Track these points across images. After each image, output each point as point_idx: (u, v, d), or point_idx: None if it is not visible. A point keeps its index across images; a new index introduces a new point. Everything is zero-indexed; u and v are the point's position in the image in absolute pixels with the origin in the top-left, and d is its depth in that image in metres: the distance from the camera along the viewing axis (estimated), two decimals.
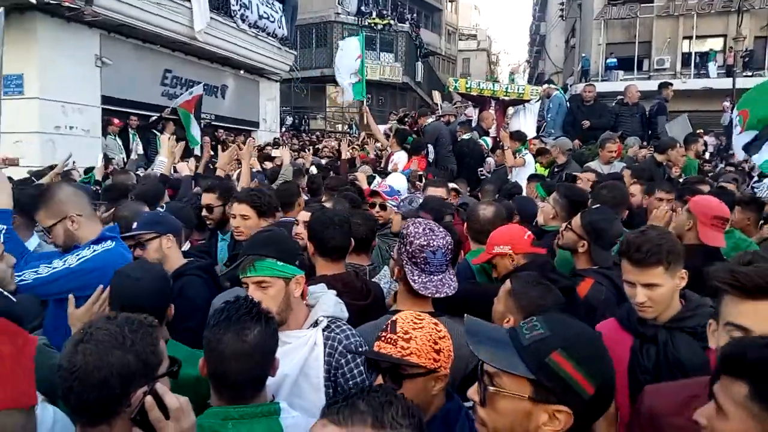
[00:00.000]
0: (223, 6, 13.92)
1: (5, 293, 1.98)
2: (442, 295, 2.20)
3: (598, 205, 3.36)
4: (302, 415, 1.75)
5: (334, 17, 29.90)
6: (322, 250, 2.65)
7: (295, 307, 2.04)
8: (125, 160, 10.85)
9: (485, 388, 1.30)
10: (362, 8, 30.48)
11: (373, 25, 30.19)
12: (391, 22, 30.57)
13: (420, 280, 2.22)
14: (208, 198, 3.90)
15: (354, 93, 9.65)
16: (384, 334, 1.67)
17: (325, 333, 2.01)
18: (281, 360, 1.92)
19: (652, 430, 1.65)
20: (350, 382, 1.98)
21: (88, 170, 8.23)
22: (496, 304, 2.16)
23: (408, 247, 2.24)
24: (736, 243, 3.46)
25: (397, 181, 5.35)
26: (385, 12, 31.37)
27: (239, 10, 14.28)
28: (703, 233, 3.08)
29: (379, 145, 10.79)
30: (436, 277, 2.22)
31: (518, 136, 7.65)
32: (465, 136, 8.85)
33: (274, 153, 8.43)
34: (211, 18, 13.28)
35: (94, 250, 2.52)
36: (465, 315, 1.94)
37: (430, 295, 2.20)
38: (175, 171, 6.73)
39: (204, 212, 3.92)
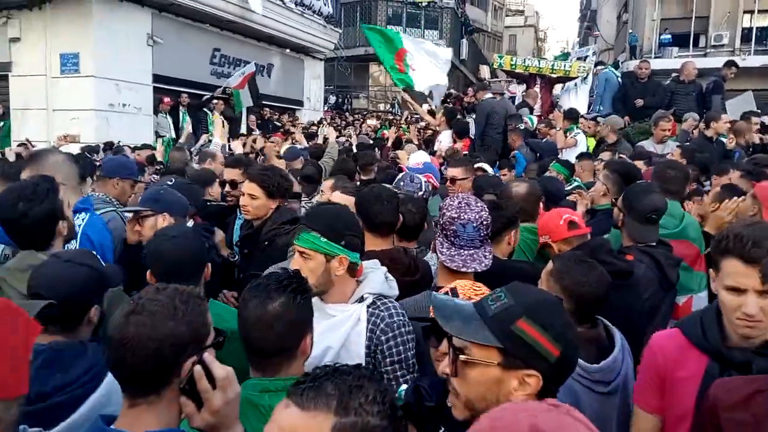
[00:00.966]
0: None
1: (97, 256, 2.09)
2: (470, 270, 2.19)
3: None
4: None
5: None
6: (369, 226, 2.63)
7: (342, 282, 2.04)
8: (175, 137, 11.14)
9: (456, 359, 1.32)
10: None
11: (418, 2, 29.81)
12: None
13: (448, 252, 2.23)
14: (232, 173, 3.89)
15: (407, 81, 9.51)
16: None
17: (370, 309, 2.02)
18: (325, 332, 1.98)
19: (711, 426, 1.53)
20: (387, 359, 1.99)
21: (143, 146, 8.49)
22: (539, 286, 2.15)
23: (441, 219, 2.29)
24: None
25: (419, 158, 5.35)
26: None
27: None
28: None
29: (423, 123, 10.76)
30: (465, 252, 2.21)
31: (570, 114, 7.48)
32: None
33: (320, 132, 8.52)
34: None
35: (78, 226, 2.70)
36: (431, 293, 1.99)
37: (456, 269, 2.20)
38: (230, 149, 6.89)
39: (227, 187, 3.91)
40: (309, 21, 15.65)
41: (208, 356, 1.39)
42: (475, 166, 4.82)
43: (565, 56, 12.03)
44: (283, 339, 1.64)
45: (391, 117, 20.75)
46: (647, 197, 2.80)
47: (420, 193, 3.44)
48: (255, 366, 1.67)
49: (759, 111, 7.95)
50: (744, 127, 6.26)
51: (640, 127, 7.73)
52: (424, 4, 30.06)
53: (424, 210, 3.21)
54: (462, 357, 1.31)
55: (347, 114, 22.15)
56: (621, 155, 5.57)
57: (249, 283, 1.75)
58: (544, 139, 7.58)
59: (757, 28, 23.56)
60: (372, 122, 16.75)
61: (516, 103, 9.93)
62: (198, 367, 1.36)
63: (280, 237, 3.15)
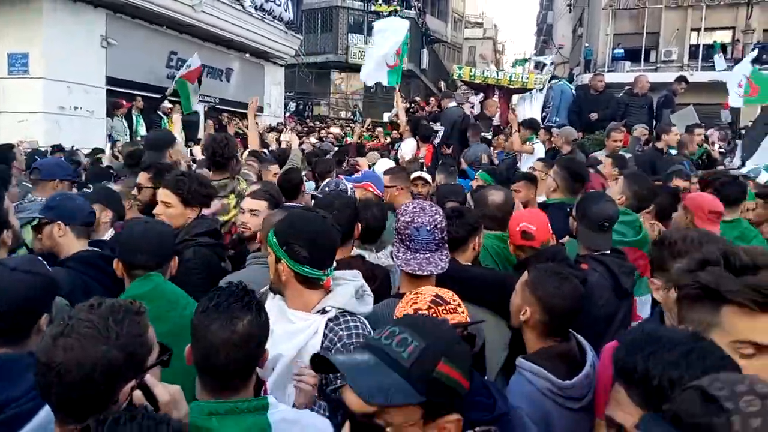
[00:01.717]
0: None
1: (43, 261, 1.99)
2: (426, 273, 2.20)
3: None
4: (290, 409, 1.69)
5: (339, 2, 29.70)
6: None
7: (294, 289, 2.00)
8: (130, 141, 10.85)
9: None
10: None
11: (379, 11, 29.98)
12: (397, 8, 30.35)
13: (404, 256, 2.25)
14: (142, 177, 3.66)
15: (389, 79, 9.28)
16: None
17: (330, 324, 1.96)
18: (281, 338, 1.94)
19: None
20: (338, 381, 1.87)
21: (95, 151, 8.24)
22: (513, 297, 2.15)
23: (396, 224, 2.30)
24: (743, 233, 3.49)
25: (384, 167, 5.36)
26: None
27: None
28: (700, 228, 3.12)
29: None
30: (421, 255, 2.23)
31: (530, 125, 7.65)
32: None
33: (282, 138, 8.42)
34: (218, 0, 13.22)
35: None
36: (394, 300, 1.99)
37: (411, 272, 2.21)
38: (191, 154, 6.75)
39: (134, 191, 3.71)
40: (268, 26, 15.53)
41: (150, 378, 1.29)
42: (413, 176, 4.74)
43: (524, 61, 12.28)
44: (250, 359, 1.56)
45: (353, 125, 20.75)
46: (599, 205, 2.84)
47: None
48: (211, 389, 1.56)
49: (703, 124, 8.32)
50: (687, 140, 6.58)
51: (595, 138, 7.94)
52: (385, 14, 30.25)
53: (385, 214, 3.21)
54: (389, 430, 1.10)
55: (308, 120, 22.06)
56: None
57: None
58: (496, 151, 7.77)
59: (703, 45, 24.60)
60: (335, 130, 16.72)
61: (474, 113, 10.07)
62: (137, 392, 1.26)
63: (187, 250, 2.86)
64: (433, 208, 2.32)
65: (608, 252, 2.82)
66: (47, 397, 1.27)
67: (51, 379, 1.22)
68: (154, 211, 3.09)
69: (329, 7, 29.76)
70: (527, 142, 7.22)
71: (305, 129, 17.48)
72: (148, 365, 1.33)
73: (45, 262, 1.98)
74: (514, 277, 2.25)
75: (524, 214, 3.01)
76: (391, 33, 9.31)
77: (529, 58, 11.97)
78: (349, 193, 3.64)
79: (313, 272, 1.96)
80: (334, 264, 2.07)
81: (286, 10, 16.22)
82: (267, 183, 3.65)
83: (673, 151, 6.57)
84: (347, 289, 2.03)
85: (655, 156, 6.16)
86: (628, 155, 6.18)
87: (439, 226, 2.27)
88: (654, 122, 9.24)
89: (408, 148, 7.77)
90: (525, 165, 7.07)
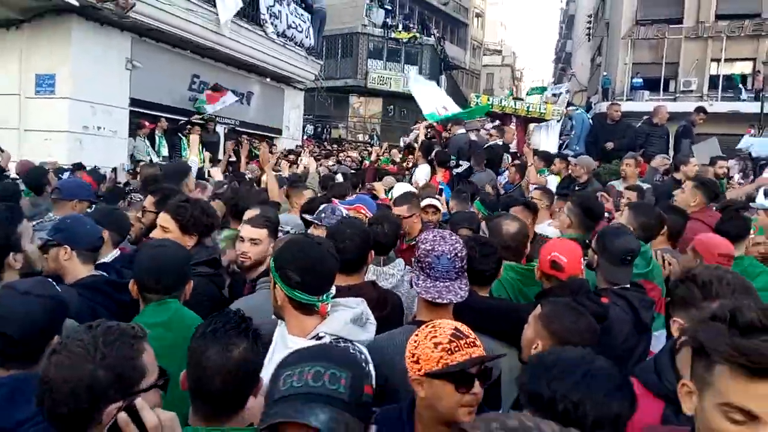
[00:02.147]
0: (252, 14, 14.12)
1: (53, 283, 2.02)
2: (446, 301, 2.20)
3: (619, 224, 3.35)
4: None
5: (360, 29, 30.17)
6: None
7: (290, 314, 2.01)
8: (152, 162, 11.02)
9: None
10: (388, 21, 30.71)
11: (398, 38, 30.39)
12: (417, 35, 30.74)
13: (423, 284, 2.24)
14: (147, 201, 3.68)
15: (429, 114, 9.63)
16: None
17: None
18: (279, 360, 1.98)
19: None
20: None
21: (115, 170, 8.39)
22: (525, 330, 2.13)
23: (417, 252, 2.31)
24: (745, 270, 3.37)
25: (401, 191, 5.36)
26: (411, 25, 31.57)
27: (269, 19, 14.48)
28: None
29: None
30: (441, 284, 2.22)
31: (544, 157, 7.63)
32: (492, 142, 8.89)
33: (300, 161, 8.51)
34: (240, 26, 13.48)
35: None
36: (411, 327, 2.01)
37: (431, 300, 2.21)
38: (209, 175, 6.84)
39: (138, 213, 3.73)
40: (290, 52, 15.79)
41: (140, 402, 1.29)
42: (424, 203, 4.69)
43: (541, 90, 12.31)
44: (244, 386, 1.57)
45: (370, 148, 20.90)
46: (620, 239, 2.83)
47: None
48: (203, 414, 1.57)
49: (725, 156, 8.22)
50: (704, 171, 6.50)
51: (610, 168, 7.91)
52: (404, 41, 30.64)
53: (397, 231, 3.24)
54: None
55: (326, 144, 22.27)
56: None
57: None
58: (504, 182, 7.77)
59: (723, 75, 24.51)
60: (354, 154, 16.85)
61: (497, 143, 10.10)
62: (123, 414, 1.25)
63: None
64: (453, 237, 2.32)
65: (628, 285, 2.79)
66: (41, 411, 1.32)
67: (44, 393, 1.30)
68: (151, 235, 3.06)
69: (350, 33, 30.24)
70: (540, 174, 7.21)
71: (323, 152, 17.64)
72: (139, 389, 1.34)
73: (54, 284, 2.01)
74: (530, 309, 2.23)
75: (557, 244, 2.93)
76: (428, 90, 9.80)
77: (546, 88, 12.00)
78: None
79: (307, 298, 1.97)
80: (333, 290, 2.07)
81: (307, 37, 16.49)
82: (265, 208, 3.60)
83: None
84: (343, 315, 2.03)
85: (674, 187, 6.09)
86: (646, 186, 6.14)
87: (459, 254, 2.26)
88: (672, 153, 9.18)
89: (422, 174, 7.77)
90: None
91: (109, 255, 3.16)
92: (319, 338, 1.99)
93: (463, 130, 9.22)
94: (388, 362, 2.08)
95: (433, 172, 7.63)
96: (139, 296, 2.34)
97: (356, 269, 2.66)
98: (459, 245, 2.29)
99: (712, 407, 1.16)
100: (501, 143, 9.32)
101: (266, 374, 1.93)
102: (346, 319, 2.02)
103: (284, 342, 2.02)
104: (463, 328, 1.74)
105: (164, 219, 3.02)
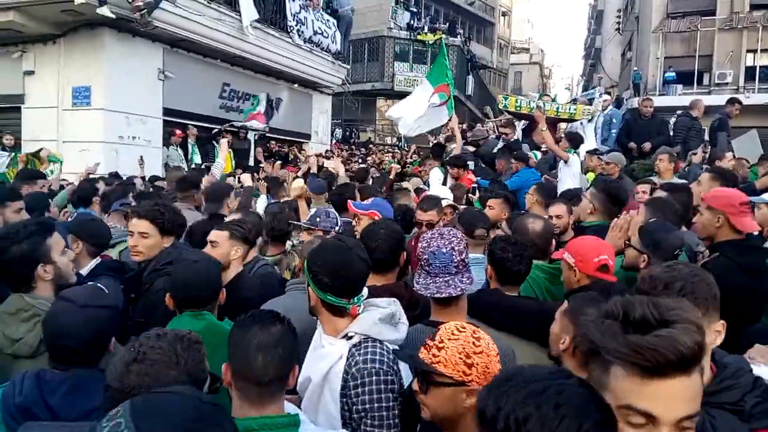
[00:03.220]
0: (279, 21, 14.29)
1: (103, 288, 2.11)
2: (444, 295, 2.21)
3: (654, 219, 3.27)
4: (320, 428, 1.78)
5: (386, 32, 30.24)
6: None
7: (323, 315, 2.09)
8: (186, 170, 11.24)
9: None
10: (413, 23, 30.70)
11: (424, 40, 30.37)
12: (443, 36, 30.68)
13: (423, 282, 2.27)
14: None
15: (448, 112, 9.49)
16: (427, 340, 1.69)
17: (352, 350, 2.01)
18: (312, 360, 2.08)
19: None
20: (353, 407, 1.94)
21: (152, 178, 8.57)
22: (552, 326, 2.12)
23: (417, 250, 2.36)
24: None
25: (443, 192, 5.34)
26: (436, 26, 31.51)
27: (295, 25, 14.64)
28: (740, 223, 2.93)
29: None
30: (440, 279, 2.25)
31: (571, 138, 7.45)
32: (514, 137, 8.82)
33: (327, 164, 8.55)
34: (267, 33, 13.66)
35: None
36: (421, 326, 2.04)
37: (431, 295, 2.23)
38: (240, 182, 6.92)
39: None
40: (317, 57, 15.93)
41: None
42: (443, 204, 4.58)
43: (572, 102, 12.10)
44: (283, 365, 1.66)
45: (398, 150, 20.93)
46: (670, 234, 2.79)
47: (336, 229, 3.27)
48: (247, 398, 1.64)
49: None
50: (737, 165, 6.33)
51: (645, 164, 7.75)
52: (430, 42, 30.61)
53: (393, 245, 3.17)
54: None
55: (353, 146, 22.40)
56: None
57: (132, 333, 1.79)
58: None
59: (760, 66, 23.81)
60: (379, 156, 16.92)
61: (518, 139, 9.99)
62: None
63: (158, 280, 2.88)
64: (451, 233, 2.35)
65: None
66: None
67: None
68: (129, 243, 3.12)
69: (376, 37, 30.34)
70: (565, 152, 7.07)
71: (351, 155, 17.76)
72: (204, 392, 1.40)
73: (104, 289, 2.10)
74: (557, 307, 2.22)
75: (600, 246, 2.76)
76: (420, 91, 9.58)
77: (575, 100, 11.77)
78: (338, 222, 3.51)
79: (337, 300, 2.03)
80: (365, 292, 2.12)
81: (333, 42, 16.62)
82: (250, 213, 3.73)
83: None
84: (372, 315, 2.07)
85: None
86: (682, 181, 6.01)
87: (456, 248, 2.28)
88: (711, 146, 8.95)
89: (434, 177, 7.59)
90: (562, 174, 6.93)
91: (86, 267, 3.17)
92: (349, 338, 2.03)
93: (493, 136, 9.17)
94: None
95: (446, 174, 7.47)
96: (176, 309, 2.47)
97: (389, 269, 2.69)
98: (456, 239, 2.30)
99: (615, 412, 1.06)
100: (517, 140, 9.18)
101: (306, 367, 2.06)
102: (375, 319, 2.05)
103: (320, 340, 2.11)
104: (480, 332, 1.71)
105: (141, 224, 3.06)
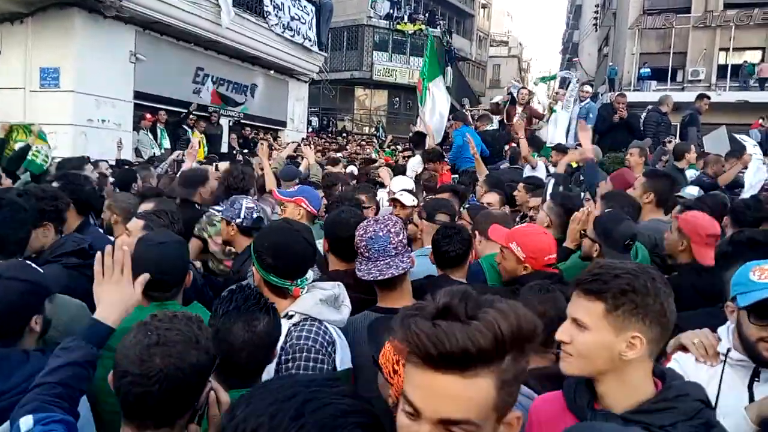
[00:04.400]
0: (255, 6, 14.09)
1: (32, 264, 2.04)
2: (387, 276, 2.23)
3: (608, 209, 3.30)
4: None
5: (366, 21, 30.06)
6: (334, 249, 2.76)
7: (271, 296, 2.03)
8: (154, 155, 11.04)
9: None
10: (393, 12, 30.56)
11: (404, 30, 30.27)
12: (423, 27, 30.60)
13: (365, 268, 2.30)
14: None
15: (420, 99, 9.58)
16: None
17: (291, 328, 2.03)
18: None
19: None
20: None
21: (122, 163, 8.40)
22: None
23: (356, 242, 2.38)
24: None
25: (406, 183, 5.32)
26: (416, 16, 31.42)
27: (272, 11, 14.44)
28: (699, 253, 2.91)
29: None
30: (381, 262, 2.27)
31: (533, 142, 7.58)
32: (487, 128, 8.84)
33: (303, 149, 8.41)
34: (243, 18, 13.46)
35: None
36: (369, 313, 2.05)
37: (374, 279, 2.25)
38: (217, 170, 6.77)
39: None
40: (293, 44, 15.76)
41: (215, 383, 1.41)
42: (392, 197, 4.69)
43: (551, 78, 12.23)
44: (266, 356, 1.72)
45: (375, 140, 20.90)
46: (622, 225, 2.85)
47: (238, 220, 3.15)
48: (229, 386, 1.61)
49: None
50: (712, 159, 6.42)
51: (616, 157, 7.84)
52: (410, 32, 30.52)
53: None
54: None
55: (330, 135, 22.30)
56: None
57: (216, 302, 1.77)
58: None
59: (732, 65, 24.29)
60: (356, 147, 16.87)
61: (496, 129, 10.02)
62: (213, 394, 1.37)
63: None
64: (386, 218, 2.41)
65: None
66: (141, 406, 1.31)
67: (149, 387, 1.29)
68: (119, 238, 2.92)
69: (355, 25, 30.13)
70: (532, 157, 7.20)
71: (335, 146, 17.68)
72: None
73: (32, 265, 2.04)
74: (500, 292, 2.22)
75: (550, 246, 2.74)
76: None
77: (555, 76, 11.83)
78: (243, 213, 3.22)
79: (280, 281, 2.07)
80: (310, 275, 2.14)
81: (310, 29, 16.45)
82: (166, 201, 3.53)
83: (691, 171, 6.44)
84: (314, 295, 2.10)
85: (675, 175, 6.03)
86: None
87: (393, 230, 2.31)
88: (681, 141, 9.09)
89: (411, 165, 7.66)
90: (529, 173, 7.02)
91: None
92: (290, 317, 2.05)
93: (494, 126, 9.23)
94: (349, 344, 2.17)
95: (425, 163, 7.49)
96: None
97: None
98: (391, 222, 2.35)
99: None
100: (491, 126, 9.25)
101: None
102: (316, 300, 2.09)
103: None
104: None
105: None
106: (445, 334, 0.92)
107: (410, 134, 11.87)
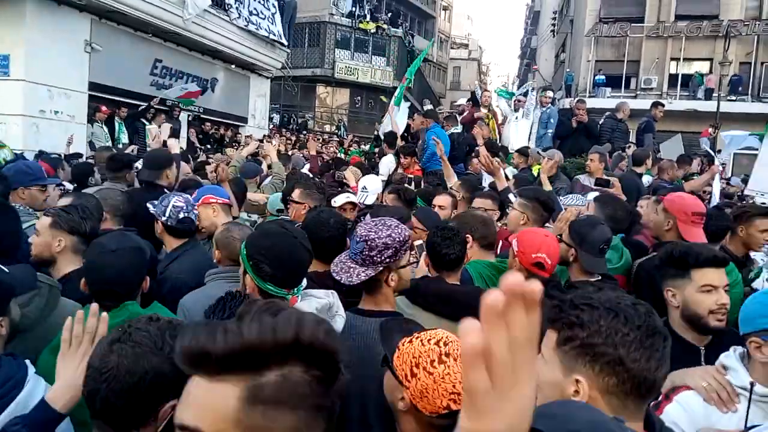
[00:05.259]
0: None
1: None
2: (345, 282, 2.17)
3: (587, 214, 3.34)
4: None
5: (328, 18, 29.86)
6: (313, 249, 2.65)
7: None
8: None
9: None
10: (355, 10, 30.46)
11: (366, 28, 30.21)
12: (384, 26, 30.62)
13: (341, 263, 2.28)
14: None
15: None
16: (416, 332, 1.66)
17: None
18: None
19: None
20: None
21: (73, 156, 8.09)
22: None
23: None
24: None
25: (371, 182, 5.31)
26: (378, 15, 31.40)
27: (234, 4, 14.18)
28: (686, 231, 3.01)
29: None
30: (351, 263, 2.23)
31: (489, 146, 7.67)
32: (452, 130, 8.90)
33: (265, 147, 8.26)
34: (205, 10, 13.16)
35: None
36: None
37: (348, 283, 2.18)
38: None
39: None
40: (255, 39, 15.51)
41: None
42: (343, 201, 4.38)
43: (510, 94, 12.37)
44: None
45: (337, 139, 20.78)
46: (597, 229, 2.85)
47: (163, 218, 3.03)
48: None
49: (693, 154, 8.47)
50: (667, 165, 6.68)
51: (577, 162, 8.02)
52: (372, 31, 30.48)
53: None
54: None
55: (293, 132, 22.04)
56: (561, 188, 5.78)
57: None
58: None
59: (682, 74, 25.20)
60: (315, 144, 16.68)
61: (460, 133, 10.10)
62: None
63: None
64: (393, 224, 2.25)
65: (600, 278, 2.81)
66: (91, 403, 1.26)
67: (100, 384, 1.23)
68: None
69: (317, 22, 29.89)
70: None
71: (298, 143, 17.46)
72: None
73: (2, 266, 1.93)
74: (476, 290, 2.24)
75: (542, 244, 2.71)
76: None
77: (514, 93, 11.98)
78: (168, 211, 3.08)
79: (276, 290, 1.95)
80: (304, 283, 2.05)
81: (273, 23, 16.23)
82: (85, 196, 3.28)
83: (647, 177, 6.67)
84: (309, 305, 2.02)
85: (637, 180, 6.25)
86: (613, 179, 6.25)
87: (367, 240, 2.15)
88: (637, 147, 9.38)
89: (384, 164, 7.67)
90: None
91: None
92: None
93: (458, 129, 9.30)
94: None
95: (398, 162, 7.54)
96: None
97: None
98: (373, 234, 2.16)
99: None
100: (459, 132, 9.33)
101: None
102: (312, 309, 2.00)
103: None
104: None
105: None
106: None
107: (374, 133, 11.88)
